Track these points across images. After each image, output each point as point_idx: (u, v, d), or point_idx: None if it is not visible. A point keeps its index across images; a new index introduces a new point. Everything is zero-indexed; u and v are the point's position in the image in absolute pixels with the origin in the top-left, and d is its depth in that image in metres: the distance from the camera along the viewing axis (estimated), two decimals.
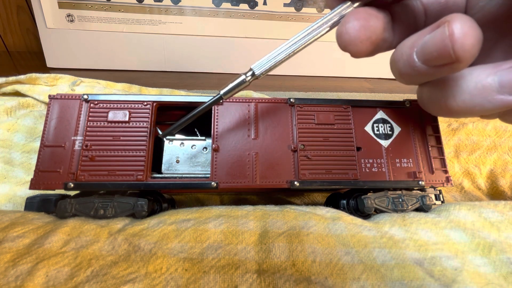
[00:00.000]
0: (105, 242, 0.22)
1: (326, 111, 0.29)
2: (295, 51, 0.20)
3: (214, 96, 0.24)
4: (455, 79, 0.17)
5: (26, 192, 0.32)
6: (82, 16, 0.55)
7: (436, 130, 0.29)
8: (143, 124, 0.27)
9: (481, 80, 0.16)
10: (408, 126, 0.30)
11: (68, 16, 0.55)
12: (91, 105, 0.27)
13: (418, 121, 0.30)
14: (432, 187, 0.29)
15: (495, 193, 0.38)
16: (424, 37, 0.15)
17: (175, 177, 0.28)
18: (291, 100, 0.29)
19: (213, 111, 0.28)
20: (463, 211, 0.26)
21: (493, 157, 0.38)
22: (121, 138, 0.27)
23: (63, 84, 0.40)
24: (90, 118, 0.27)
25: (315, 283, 0.20)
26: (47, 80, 0.39)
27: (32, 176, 0.25)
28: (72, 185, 0.25)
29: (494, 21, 0.18)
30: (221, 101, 0.26)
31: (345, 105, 0.29)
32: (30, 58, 0.61)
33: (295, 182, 0.26)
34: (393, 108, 0.30)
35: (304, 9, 0.59)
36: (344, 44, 0.17)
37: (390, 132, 0.29)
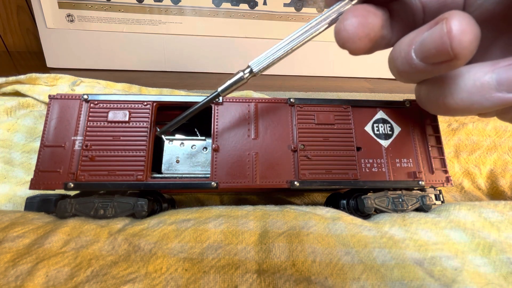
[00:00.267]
0: (105, 242, 0.22)
1: (326, 111, 0.29)
2: (293, 48, 0.20)
3: (212, 93, 0.24)
4: (453, 77, 0.17)
5: (26, 192, 0.32)
6: (82, 16, 0.55)
7: (436, 130, 0.30)
8: (143, 124, 0.27)
9: (479, 78, 0.16)
10: (408, 126, 0.30)
11: (68, 16, 0.55)
12: (91, 105, 0.27)
13: (418, 121, 0.30)
14: (432, 187, 0.29)
15: (495, 193, 0.38)
16: (422, 34, 0.15)
17: (175, 177, 0.28)
18: (291, 100, 0.29)
19: (213, 111, 0.28)
20: (463, 211, 0.26)
21: (493, 157, 0.38)
22: (121, 138, 0.27)
23: (63, 84, 0.40)
24: (90, 118, 0.27)
25: (315, 283, 0.20)
26: (47, 80, 0.39)
27: (32, 176, 0.25)
28: (72, 185, 0.25)
29: (492, 19, 0.18)
30: (219, 99, 0.27)
31: (345, 105, 0.29)
32: (30, 58, 0.61)
33: (295, 182, 0.26)
34: (393, 108, 0.30)
35: (304, 9, 0.59)
36: (342, 41, 0.17)
37: (390, 132, 0.29)
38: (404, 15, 0.20)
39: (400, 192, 0.28)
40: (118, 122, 0.27)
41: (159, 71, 0.60)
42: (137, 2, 0.55)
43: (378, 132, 0.29)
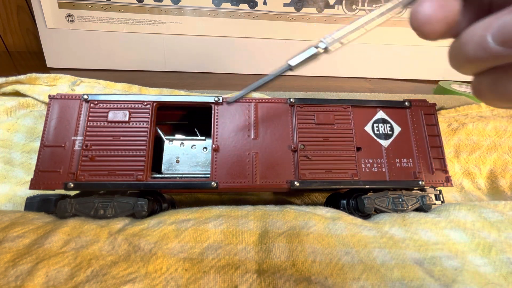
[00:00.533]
0: (105, 242, 0.22)
1: (326, 111, 0.29)
2: (368, 30, 0.20)
3: (283, 67, 0.23)
4: None
5: (26, 192, 0.32)
6: (82, 16, 0.55)
7: (436, 130, 0.29)
8: (143, 124, 0.27)
9: None
10: (408, 126, 0.30)
11: (68, 16, 0.55)
12: (91, 105, 0.27)
13: (418, 121, 0.30)
14: (432, 187, 0.29)
15: (495, 193, 0.38)
16: (501, 19, 0.15)
17: (175, 177, 0.28)
18: (291, 100, 0.29)
19: (213, 111, 0.28)
20: (463, 211, 0.26)
21: (493, 157, 0.38)
22: (121, 138, 0.27)
23: (63, 84, 0.40)
24: (90, 118, 0.27)
25: (315, 283, 0.20)
26: (47, 80, 0.39)
27: (32, 176, 0.25)
28: (72, 185, 0.25)
29: None
30: (219, 99, 0.28)
31: (345, 105, 0.29)
32: (30, 58, 0.61)
33: (295, 182, 0.26)
34: (393, 108, 0.30)
35: (304, 9, 0.59)
36: (419, 23, 0.17)
37: (390, 132, 0.29)
38: (474, 2, 0.19)
39: (400, 192, 0.28)
40: (118, 122, 0.27)
41: (159, 71, 0.60)
42: (137, 2, 0.55)
43: (378, 132, 0.29)
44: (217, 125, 0.28)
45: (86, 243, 0.22)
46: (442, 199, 0.29)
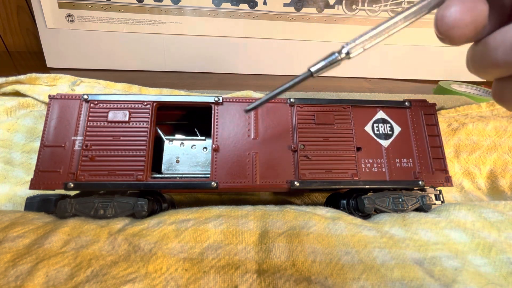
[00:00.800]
0: (105, 242, 0.22)
1: (326, 111, 0.29)
2: (390, 35, 0.20)
3: (304, 73, 0.22)
4: None
5: (26, 192, 0.32)
6: (82, 16, 0.55)
7: (436, 130, 0.30)
8: (143, 124, 0.27)
9: None
10: (408, 126, 0.30)
11: (68, 16, 0.55)
12: (91, 105, 0.27)
13: (418, 121, 0.30)
14: (432, 187, 0.29)
15: (495, 193, 0.38)
16: None
17: (175, 177, 0.28)
18: (291, 100, 0.29)
19: (213, 111, 0.28)
20: (463, 211, 0.26)
21: (493, 157, 0.38)
22: (121, 138, 0.27)
23: (63, 84, 0.40)
24: (90, 118, 0.27)
25: (315, 283, 0.20)
26: (47, 80, 0.39)
27: (32, 176, 0.25)
28: (72, 185, 0.25)
29: None
30: (219, 99, 0.29)
31: (345, 105, 0.29)
32: (30, 58, 0.61)
33: (295, 182, 0.26)
34: (393, 108, 0.30)
35: (304, 9, 0.59)
36: (446, 28, 0.17)
37: (390, 132, 0.29)
38: (501, 7, 0.19)
39: (400, 192, 0.28)
40: (118, 122, 0.27)
41: (159, 71, 0.60)
42: (137, 2, 0.55)
43: (378, 132, 0.29)
44: (217, 125, 0.28)
45: (86, 243, 0.22)
46: (442, 199, 0.29)
